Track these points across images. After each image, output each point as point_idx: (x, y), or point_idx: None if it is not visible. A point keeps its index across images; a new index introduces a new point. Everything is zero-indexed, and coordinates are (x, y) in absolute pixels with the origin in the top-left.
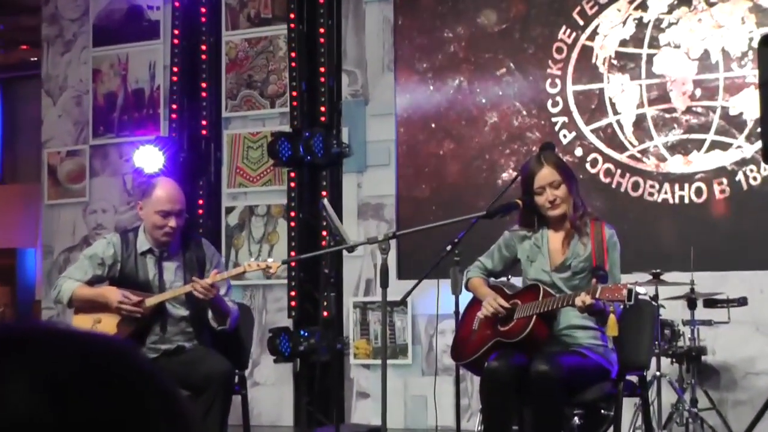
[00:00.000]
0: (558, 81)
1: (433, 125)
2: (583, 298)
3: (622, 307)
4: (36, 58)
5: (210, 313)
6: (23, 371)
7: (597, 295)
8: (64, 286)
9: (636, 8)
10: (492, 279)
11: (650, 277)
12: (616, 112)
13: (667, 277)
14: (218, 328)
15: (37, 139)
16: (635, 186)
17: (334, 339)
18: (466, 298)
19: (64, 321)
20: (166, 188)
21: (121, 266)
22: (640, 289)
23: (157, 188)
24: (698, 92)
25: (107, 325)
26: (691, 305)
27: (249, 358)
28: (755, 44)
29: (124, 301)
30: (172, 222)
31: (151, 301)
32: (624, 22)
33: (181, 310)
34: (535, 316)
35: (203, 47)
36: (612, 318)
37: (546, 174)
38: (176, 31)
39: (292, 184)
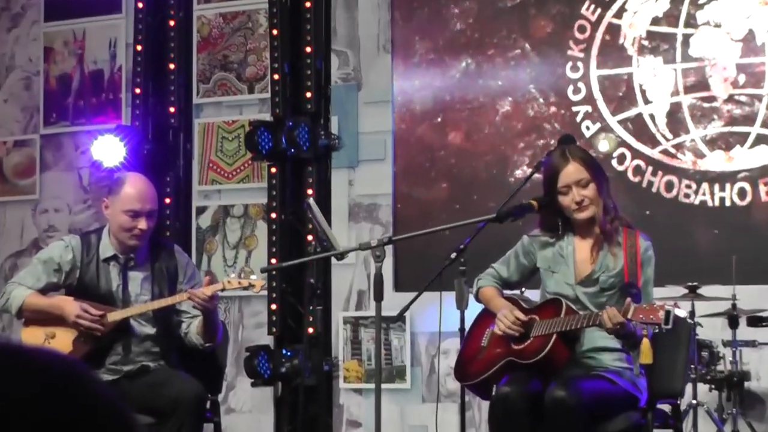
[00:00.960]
0: (580, 64)
1: (435, 114)
2: (613, 317)
3: (655, 330)
4: None
5: (197, 328)
6: None
7: (629, 316)
8: (14, 292)
9: None
10: (506, 291)
11: (686, 291)
12: (647, 101)
13: (705, 291)
14: (205, 345)
15: None
16: (669, 186)
17: (320, 359)
18: (472, 313)
19: (9, 335)
20: (136, 185)
21: (80, 274)
22: (680, 312)
23: (126, 184)
24: (742, 78)
25: (61, 340)
26: (733, 323)
27: (223, 381)
28: None
29: (83, 315)
30: (143, 224)
31: (114, 316)
32: None
33: (147, 328)
34: (555, 335)
35: (171, 23)
36: (646, 343)
37: (572, 171)
38: (140, 4)
39: (274, 181)
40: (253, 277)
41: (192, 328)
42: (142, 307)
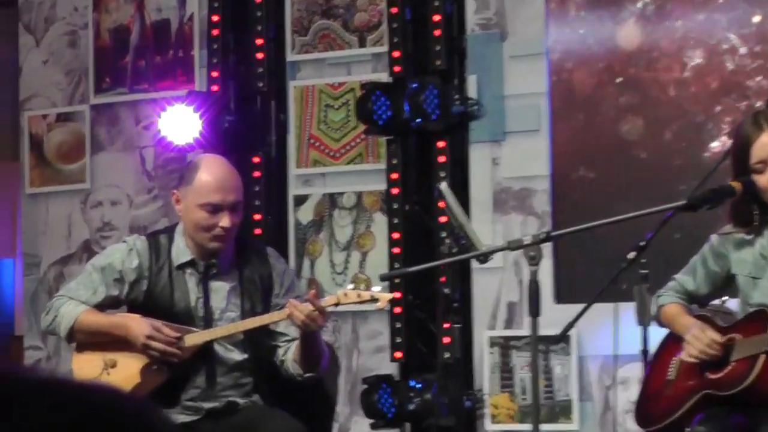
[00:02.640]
0: None
1: (604, 71)
2: None
3: None
4: None
5: (294, 354)
6: None
7: None
8: (64, 309)
9: None
10: (695, 306)
11: None
12: None
13: None
14: (305, 376)
15: (12, 96)
16: None
17: (460, 393)
18: (658, 330)
19: (58, 366)
20: (213, 170)
21: (148, 285)
22: None
23: (201, 170)
24: None
25: (126, 370)
26: None
27: (333, 422)
28: None
29: (155, 335)
30: (225, 220)
31: (193, 339)
32: None
33: (235, 354)
34: (762, 357)
35: None
36: None
37: (767, 142)
38: None
39: (394, 161)
40: (376, 288)
41: (289, 354)
42: (230, 328)
